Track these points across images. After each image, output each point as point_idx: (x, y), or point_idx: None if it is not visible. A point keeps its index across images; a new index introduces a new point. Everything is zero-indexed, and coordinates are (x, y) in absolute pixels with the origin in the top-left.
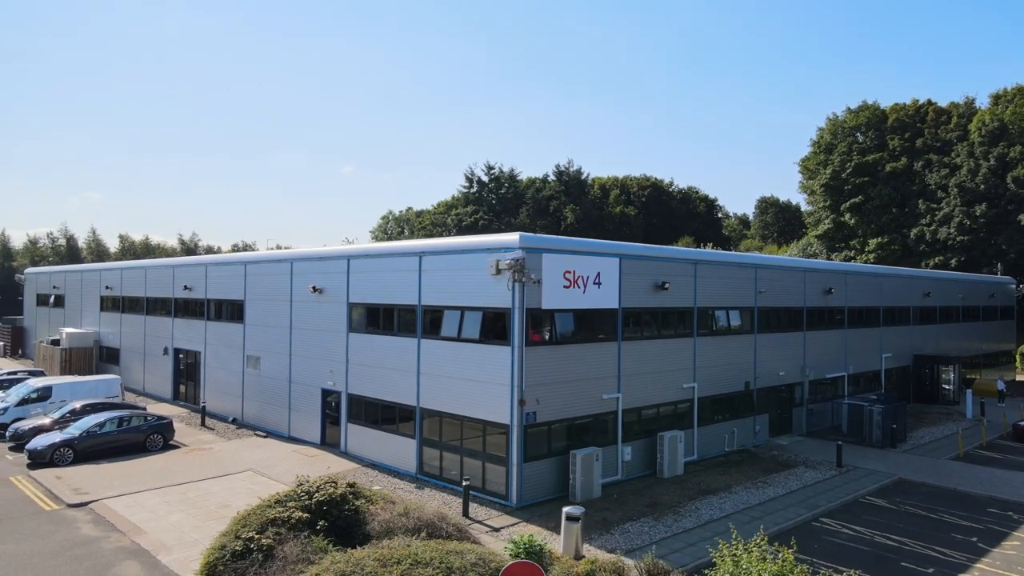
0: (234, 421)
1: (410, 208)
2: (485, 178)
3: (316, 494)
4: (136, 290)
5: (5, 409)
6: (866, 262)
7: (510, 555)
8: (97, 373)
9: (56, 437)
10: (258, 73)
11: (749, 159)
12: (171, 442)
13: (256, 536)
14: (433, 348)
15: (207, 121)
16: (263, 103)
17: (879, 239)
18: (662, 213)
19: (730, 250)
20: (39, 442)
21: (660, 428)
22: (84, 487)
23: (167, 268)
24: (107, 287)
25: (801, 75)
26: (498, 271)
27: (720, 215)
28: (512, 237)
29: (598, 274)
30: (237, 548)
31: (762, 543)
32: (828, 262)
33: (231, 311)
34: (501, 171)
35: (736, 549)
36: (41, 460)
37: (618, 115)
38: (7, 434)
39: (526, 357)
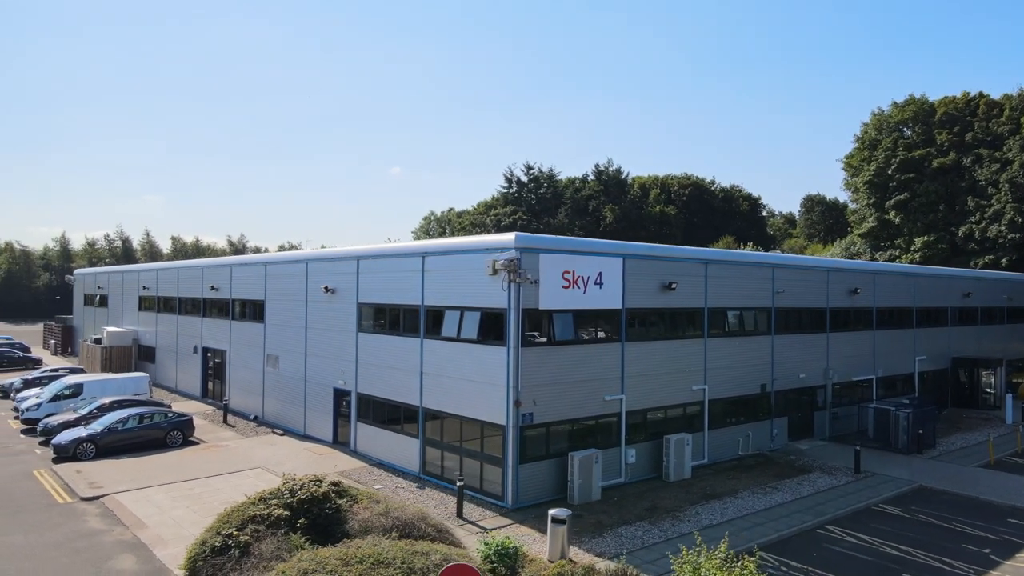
0: (255, 419)
1: (451, 209)
2: (524, 178)
3: (298, 492)
4: (169, 290)
5: (39, 405)
6: (911, 261)
7: (481, 556)
8: (135, 371)
9: (80, 432)
10: (313, 80)
11: (796, 156)
12: (191, 439)
13: (235, 532)
14: (435, 348)
15: (264, 127)
16: (317, 108)
17: (925, 237)
18: (703, 212)
19: (775, 250)
20: (63, 437)
21: (668, 430)
22: (100, 481)
23: (197, 269)
24: (144, 287)
25: (851, 69)
26: (494, 271)
27: (764, 213)
28: (508, 237)
29: (599, 274)
30: (216, 544)
31: (723, 551)
32: (853, 261)
33: (253, 311)
34: (540, 171)
35: (697, 556)
36: (65, 454)
37: (659, 114)
38: (38, 429)
39: (522, 358)
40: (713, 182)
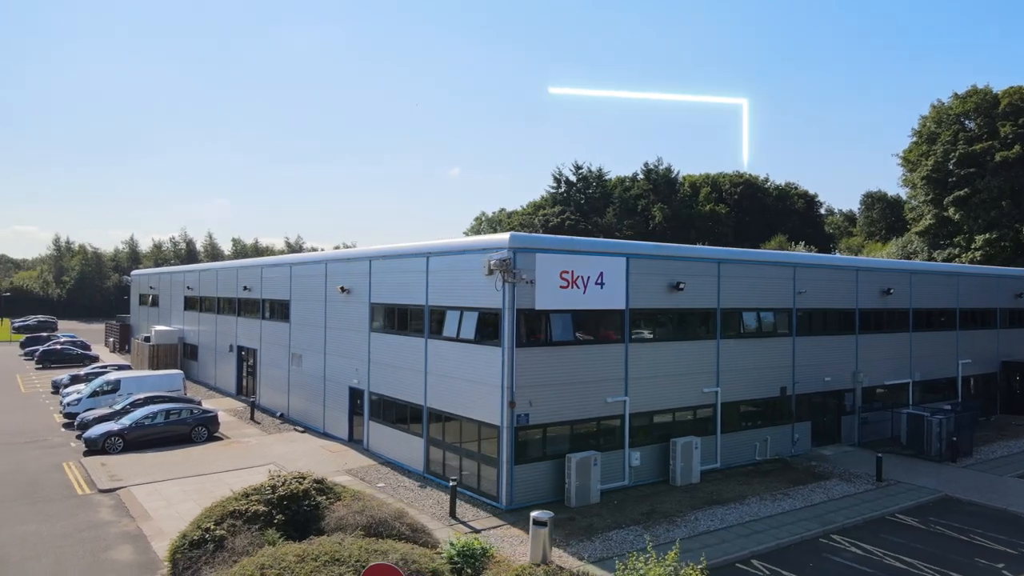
0: (281, 416)
1: (502, 209)
2: (573, 178)
3: (280, 488)
4: (209, 291)
5: (79, 400)
6: (971, 260)
7: (446, 556)
8: (180, 368)
9: (110, 427)
10: (380, 84)
11: (857, 152)
12: (216, 434)
13: (212, 527)
14: (437, 348)
15: (326, 129)
16: (380, 111)
17: (987, 235)
18: (756, 211)
19: (833, 250)
20: (94, 431)
21: (676, 433)
22: (120, 474)
23: (232, 270)
24: (188, 288)
25: (912, 62)
26: (490, 271)
27: (823, 211)
28: (502, 237)
29: (600, 274)
30: (195, 537)
31: (672, 559)
32: (884, 260)
33: (280, 311)
34: (589, 170)
35: (644, 564)
36: (95, 448)
37: (711, 112)
38: (75, 423)
39: (517, 358)
40: (767, 180)
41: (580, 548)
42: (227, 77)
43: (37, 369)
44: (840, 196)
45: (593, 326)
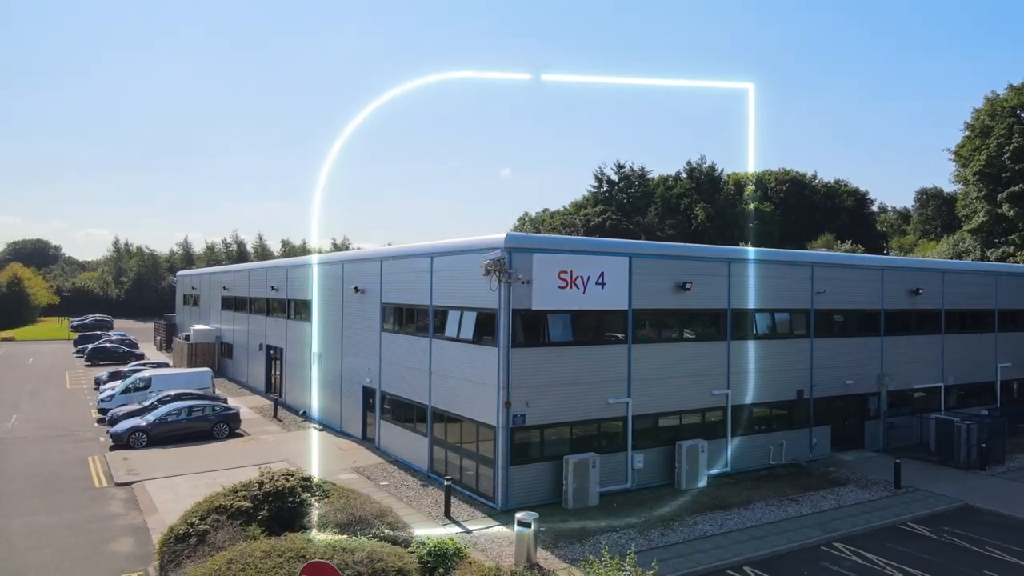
0: (303, 414)
1: (545, 209)
2: (615, 177)
3: (266, 485)
4: (242, 291)
5: (112, 396)
6: None
7: (417, 556)
8: (217, 367)
9: (135, 422)
10: (432, 89)
11: (912, 149)
12: (237, 431)
13: (198, 522)
14: (440, 348)
15: (384, 133)
16: (433, 113)
17: None
18: (803, 208)
19: (885, 248)
20: (120, 427)
21: (684, 436)
22: (139, 469)
23: (262, 271)
24: (224, 288)
25: (968, 55)
26: (486, 271)
27: (875, 209)
28: (498, 236)
29: (601, 274)
30: (180, 532)
31: (629, 564)
32: (912, 259)
33: (303, 310)
34: (631, 169)
35: (599, 569)
36: (120, 442)
37: (758, 108)
38: (106, 418)
39: (512, 358)
40: (815, 177)
41: (569, 550)
42: (276, 82)
43: (86, 366)
44: (894, 193)
45: (594, 326)
